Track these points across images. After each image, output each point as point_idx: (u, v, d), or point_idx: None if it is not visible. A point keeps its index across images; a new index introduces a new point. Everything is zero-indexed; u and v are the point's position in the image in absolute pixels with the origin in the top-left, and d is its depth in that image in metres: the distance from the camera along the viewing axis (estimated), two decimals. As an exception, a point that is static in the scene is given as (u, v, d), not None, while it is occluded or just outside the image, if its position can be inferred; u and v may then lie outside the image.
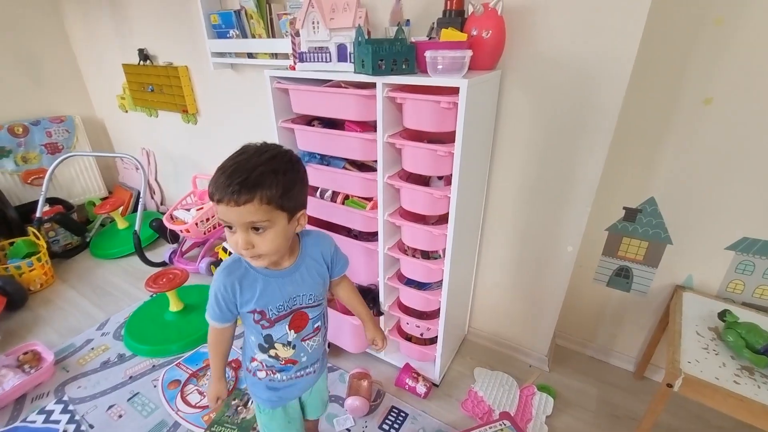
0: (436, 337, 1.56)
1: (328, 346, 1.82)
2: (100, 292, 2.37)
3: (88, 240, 2.83)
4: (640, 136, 1.38)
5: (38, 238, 2.43)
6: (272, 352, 0.95)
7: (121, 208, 2.91)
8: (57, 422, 1.56)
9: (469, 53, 1.09)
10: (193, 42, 2.14)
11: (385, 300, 1.63)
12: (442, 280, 1.42)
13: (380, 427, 1.50)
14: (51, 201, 2.78)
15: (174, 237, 2.56)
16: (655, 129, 1.35)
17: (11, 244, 2.45)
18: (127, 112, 2.94)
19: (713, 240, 1.39)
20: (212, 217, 2.41)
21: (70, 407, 1.62)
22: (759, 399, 1.05)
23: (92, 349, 1.93)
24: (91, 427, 1.54)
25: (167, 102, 2.50)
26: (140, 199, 2.42)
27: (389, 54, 1.18)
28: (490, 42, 1.22)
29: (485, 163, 1.50)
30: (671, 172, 1.38)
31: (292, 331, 0.94)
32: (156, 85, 2.49)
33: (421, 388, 1.60)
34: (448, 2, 1.28)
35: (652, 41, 1.24)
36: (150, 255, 2.50)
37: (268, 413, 1.06)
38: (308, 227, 0.98)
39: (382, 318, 1.68)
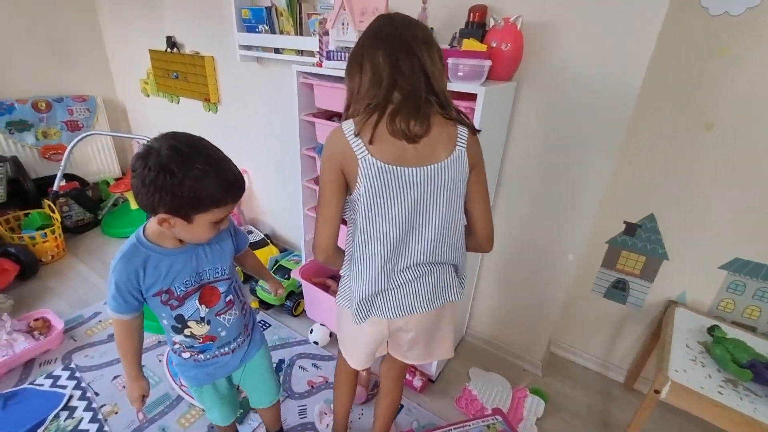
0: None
1: (330, 336, 1.88)
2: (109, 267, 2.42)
3: (100, 218, 2.90)
4: (645, 154, 1.45)
5: (53, 212, 2.50)
6: (187, 331, 0.97)
7: (135, 189, 2.97)
8: (64, 387, 1.62)
9: (488, 63, 1.16)
10: (222, 34, 2.22)
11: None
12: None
13: (375, 416, 1.56)
14: (68, 177, 2.84)
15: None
16: (659, 149, 1.42)
17: (26, 215, 2.52)
18: (149, 96, 3.03)
19: (708, 259, 1.45)
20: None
21: (77, 374, 1.68)
22: (741, 410, 1.11)
23: (100, 321, 1.99)
24: (97, 394, 1.60)
25: (190, 90, 2.57)
26: (156, 182, 2.49)
27: (413, 58, 1.25)
28: (509, 54, 1.29)
29: (495, 168, 1.57)
30: (671, 191, 1.44)
31: (204, 306, 0.96)
32: (181, 72, 2.57)
33: (417, 382, 1.65)
34: (472, 14, 1.35)
35: (659, 67, 1.31)
36: (160, 236, 2.57)
37: (196, 390, 1.11)
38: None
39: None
